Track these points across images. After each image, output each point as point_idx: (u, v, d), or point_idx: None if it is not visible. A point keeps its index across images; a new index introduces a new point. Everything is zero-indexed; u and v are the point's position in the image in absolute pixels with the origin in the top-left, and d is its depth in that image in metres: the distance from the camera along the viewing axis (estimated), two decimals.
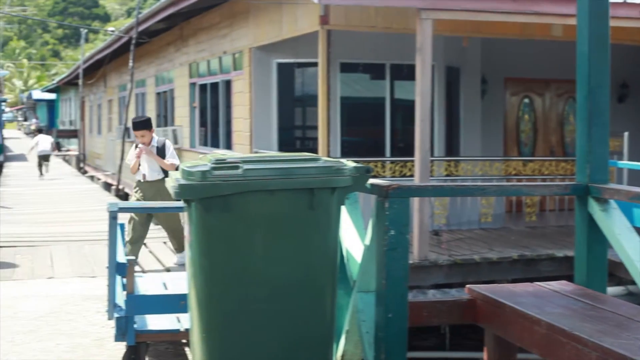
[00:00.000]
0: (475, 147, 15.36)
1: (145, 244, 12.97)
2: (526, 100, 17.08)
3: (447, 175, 13.85)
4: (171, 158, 10.62)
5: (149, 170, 10.62)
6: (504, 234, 13.67)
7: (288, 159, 4.46)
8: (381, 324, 4.34)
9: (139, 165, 10.62)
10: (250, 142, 14.76)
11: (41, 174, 30.39)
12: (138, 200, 10.72)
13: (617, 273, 9.81)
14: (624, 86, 17.12)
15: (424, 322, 4.94)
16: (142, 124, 10.58)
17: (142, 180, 10.69)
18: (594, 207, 5.00)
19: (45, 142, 30.59)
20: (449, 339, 11.99)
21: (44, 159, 30.62)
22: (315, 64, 12.72)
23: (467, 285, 4.90)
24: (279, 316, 4.29)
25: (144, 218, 10.53)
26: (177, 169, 10.12)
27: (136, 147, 10.64)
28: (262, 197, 4.23)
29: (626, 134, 14.19)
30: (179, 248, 10.95)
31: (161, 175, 10.56)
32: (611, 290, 9.32)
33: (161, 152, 10.61)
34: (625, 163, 13.45)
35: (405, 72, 14.19)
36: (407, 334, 4.39)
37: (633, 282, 4.88)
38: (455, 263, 11.39)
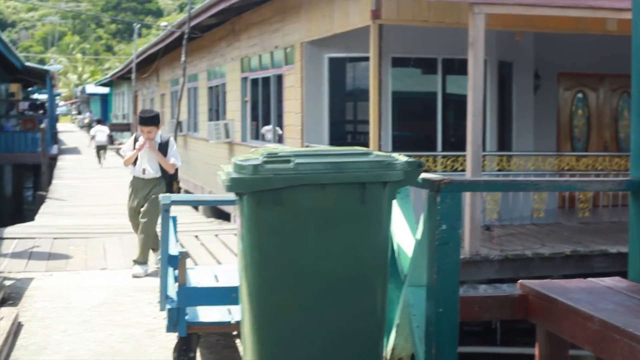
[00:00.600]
0: (527, 142, 15.26)
1: (197, 237, 13.06)
2: (580, 95, 16.90)
3: (499, 170, 13.77)
4: (173, 157, 9.93)
5: (148, 166, 9.93)
6: (556, 229, 13.55)
7: (340, 153, 4.46)
8: (432, 319, 4.33)
9: (136, 159, 9.95)
10: (302, 136, 14.78)
11: (99, 162, 32.91)
12: (130, 196, 10.14)
13: None
14: None
15: (475, 317, 4.91)
16: (152, 120, 9.89)
17: (139, 177, 9.98)
18: None
19: (102, 133, 33.24)
20: (500, 334, 11.93)
21: (101, 149, 33.09)
22: (366, 59, 12.71)
23: (520, 281, 4.87)
24: (329, 310, 4.30)
25: (134, 212, 10.14)
26: (176, 171, 10.03)
27: (135, 140, 10.00)
28: (314, 191, 4.24)
29: None
30: (140, 257, 10.04)
31: (159, 174, 9.92)
32: None
33: (163, 149, 9.92)
34: None
35: (457, 67, 14.13)
36: (458, 328, 4.37)
37: None
38: (507, 258, 11.32)
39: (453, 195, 4.33)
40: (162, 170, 9.90)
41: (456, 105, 14.74)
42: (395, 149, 13.83)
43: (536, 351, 4.78)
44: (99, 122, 38.46)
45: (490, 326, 11.92)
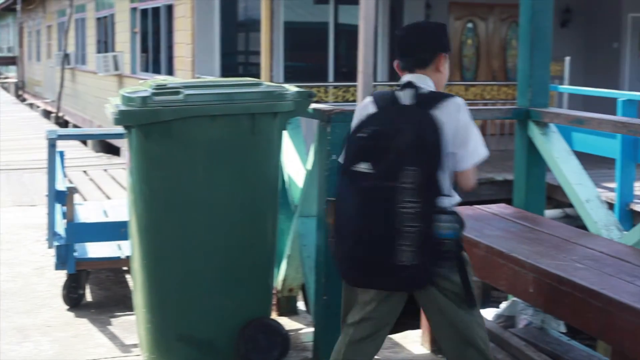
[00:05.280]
0: None
1: (85, 172, 12.82)
2: (470, 25, 17.06)
3: None
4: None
5: None
6: None
7: (229, 84, 4.43)
8: (322, 248, 4.36)
9: None
10: (192, 67, 14.59)
11: None
12: None
13: (555, 196, 9.94)
14: (567, 11, 17.17)
15: None
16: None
17: None
18: (534, 131, 5.05)
19: None
20: None
21: None
22: None
23: None
24: (219, 242, 4.29)
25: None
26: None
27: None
28: (203, 122, 4.20)
29: (567, 58, 14.28)
30: None
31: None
32: (549, 212, 9.46)
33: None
34: (566, 87, 13.56)
35: None
36: None
37: (570, 205, 4.99)
38: None
39: (343, 126, 4.34)
40: None
41: (348, 35, 14.75)
42: (287, 79, 13.79)
43: None
44: None
45: None
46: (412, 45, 3.55)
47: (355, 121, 3.47)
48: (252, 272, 4.39)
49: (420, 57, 3.52)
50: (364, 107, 3.47)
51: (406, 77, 3.48)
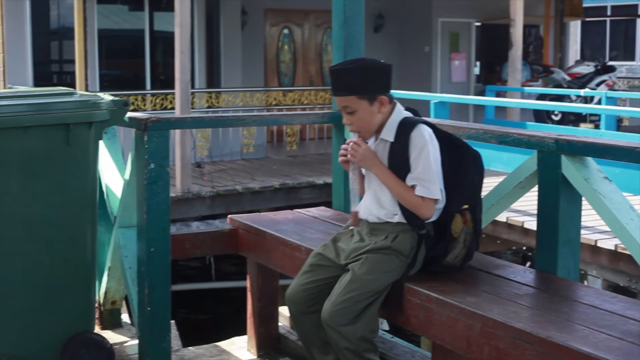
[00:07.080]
0: (236, 79, 15.41)
1: None
2: (286, 31, 17.24)
3: (209, 107, 13.87)
4: (422, 180, 3.64)
5: (370, 199, 3.88)
6: (265, 163, 13.86)
7: (42, 93, 4.32)
8: (143, 259, 4.31)
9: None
10: (4, 77, 14.13)
11: None
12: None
13: None
14: (380, 16, 17.61)
15: (187, 254, 4.95)
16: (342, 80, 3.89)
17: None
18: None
19: None
20: (215, 269, 12.11)
21: None
22: None
23: (229, 216, 4.95)
24: (37, 257, 4.16)
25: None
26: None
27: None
28: (16, 134, 4.07)
29: None
30: None
31: (397, 218, 3.72)
32: None
33: (400, 154, 3.75)
34: None
35: (165, 3, 14.01)
36: (171, 267, 4.39)
37: None
38: (218, 194, 11.47)
39: (160, 134, 4.31)
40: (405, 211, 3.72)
41: (164, 42, 14.65)
42: (103, 88, 13.58)
43: (248, 283, 4.89)
44: None
45: (205, 262, 12.09)
46: None
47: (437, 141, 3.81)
48: (72, 287, 4.29)
49: None
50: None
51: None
